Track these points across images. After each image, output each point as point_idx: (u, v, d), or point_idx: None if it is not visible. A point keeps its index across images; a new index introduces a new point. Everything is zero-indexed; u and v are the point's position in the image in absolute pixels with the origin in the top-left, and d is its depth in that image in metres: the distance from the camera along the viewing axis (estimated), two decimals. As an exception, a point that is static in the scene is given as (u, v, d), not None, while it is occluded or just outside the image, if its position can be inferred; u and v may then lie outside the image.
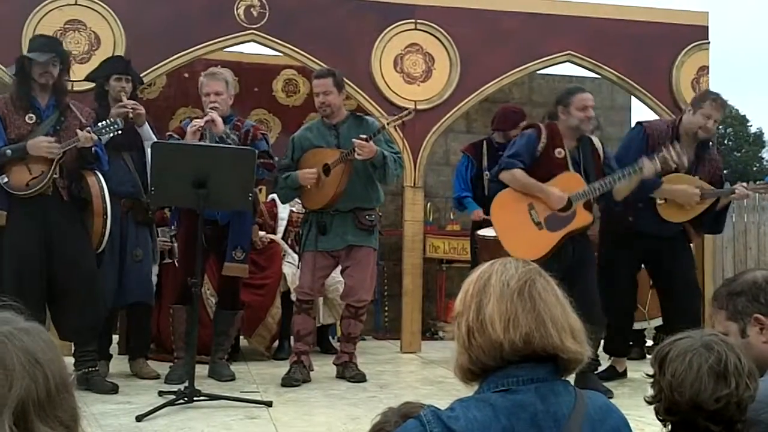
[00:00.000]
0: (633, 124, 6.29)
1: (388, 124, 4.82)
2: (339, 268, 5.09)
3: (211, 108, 4.72)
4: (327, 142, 4.89)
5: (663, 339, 6.64)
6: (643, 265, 5.18)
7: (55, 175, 4.25)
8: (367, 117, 5.06)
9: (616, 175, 4.54)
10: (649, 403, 1.73)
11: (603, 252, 5.12)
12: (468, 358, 1.56)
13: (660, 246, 4.91)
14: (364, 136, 4.65)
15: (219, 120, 4.66)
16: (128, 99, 4.76)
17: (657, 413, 1.71)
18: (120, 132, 4.40)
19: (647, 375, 1.76)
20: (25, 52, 4.62)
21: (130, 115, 4.69)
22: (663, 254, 4.95)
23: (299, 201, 5.36)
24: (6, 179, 4.20)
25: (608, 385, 4.61)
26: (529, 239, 4.53)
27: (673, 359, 1.68)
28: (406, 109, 5.22)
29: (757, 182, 5.24)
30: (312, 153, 4.91)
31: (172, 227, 5.50)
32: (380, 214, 5.37)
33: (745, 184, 5.10)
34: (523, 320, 1.51)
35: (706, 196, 4.84)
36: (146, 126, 4.85)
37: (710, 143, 5.17)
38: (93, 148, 4.29)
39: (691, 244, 5.25)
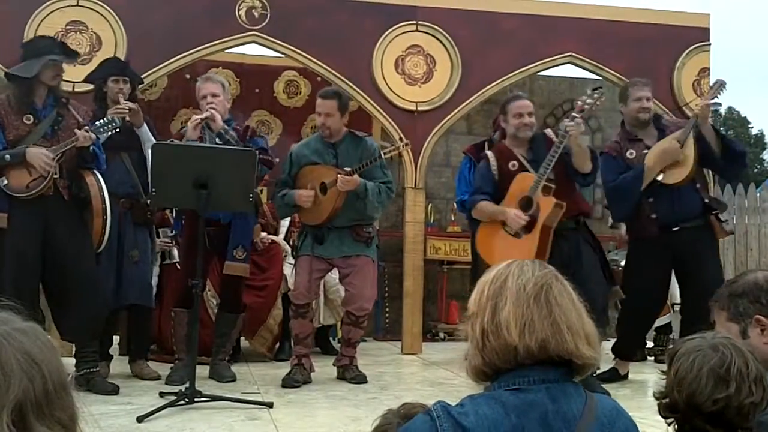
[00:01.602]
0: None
1: (378, 157, 4.83)
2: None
3: (210, 108, 4.74)
4: (324, 160, 4.87)
5: (663, 340, 6.58)
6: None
7: (55, 175, 4.25)
8: (365, 137, 5.03)
9: (552, 150, 4.57)
10: (657, 398, 1.72)
11: (630, 256, 5.17)
12: (481, 360, 1.55)
13: (687, 240, 4.85)
14: (348, 169, 4.68)
15: (218, 116, 4.71)
16: (127, 100, 4.75)
17: (659, 410, 1.71)
18: (118, 130, 4.41)
19: (661, 371, 1.75)
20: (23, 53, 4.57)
21: (127, 119, 4.70)
22: (690, 253, 4.88)
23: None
24: (6, 181, 4.18)
25: (609, 386, 4.59)
26: (514, 250, 4.57)
27: (679, 357, 1.68)
28: (403, 139, 5.22)
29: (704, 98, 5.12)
30: (309, 170, 4.89)
31: (174, 231, 5.49)
32: (377, 228, 5.35)
33: (696, 102, 5.18)
34: (539, 326, 1.51)
35: (682, 135, 4.84)
36: (145, 127, 4.85)
37: (659, 117, 5.24)
38: (91, 147, 4.29)
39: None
